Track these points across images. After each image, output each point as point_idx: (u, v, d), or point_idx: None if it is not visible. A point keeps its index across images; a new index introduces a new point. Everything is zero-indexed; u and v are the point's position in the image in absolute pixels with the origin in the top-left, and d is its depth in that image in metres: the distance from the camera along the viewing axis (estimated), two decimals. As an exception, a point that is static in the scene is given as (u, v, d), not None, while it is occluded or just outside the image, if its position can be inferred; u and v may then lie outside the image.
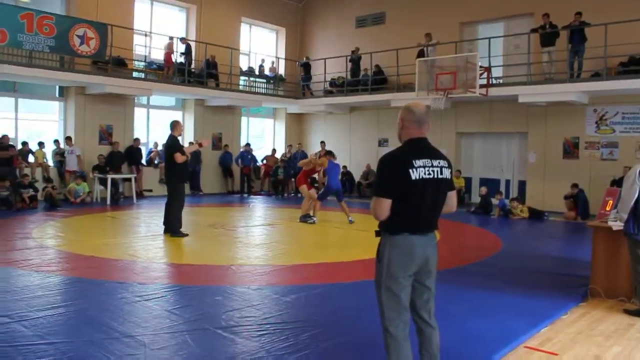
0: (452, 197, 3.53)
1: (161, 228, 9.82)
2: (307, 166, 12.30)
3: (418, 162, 3.31)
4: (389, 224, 3.35)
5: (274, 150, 19.70)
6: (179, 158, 9.43)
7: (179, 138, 9.84)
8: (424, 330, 3.53)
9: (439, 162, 3.41)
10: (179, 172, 9.68)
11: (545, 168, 15.46)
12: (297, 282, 6.65)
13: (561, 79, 14.21)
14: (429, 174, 3.32)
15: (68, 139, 14.92)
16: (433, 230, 3.46)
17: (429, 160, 3.36)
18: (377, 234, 3.48)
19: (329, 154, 12.38)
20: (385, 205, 3.28)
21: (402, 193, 3.28)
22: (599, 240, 6.38)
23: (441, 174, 3.38)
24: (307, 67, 20.20)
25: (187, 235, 9.60)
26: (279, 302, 5.71)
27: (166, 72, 16.84)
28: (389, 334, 3.36)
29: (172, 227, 9.62)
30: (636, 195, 5.52)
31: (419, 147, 3.41)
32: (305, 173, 12.29)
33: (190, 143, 12.47)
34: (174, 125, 9.75)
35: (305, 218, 11.78)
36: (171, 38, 16.79)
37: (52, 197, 13.47)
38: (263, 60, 20.32)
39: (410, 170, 3.27)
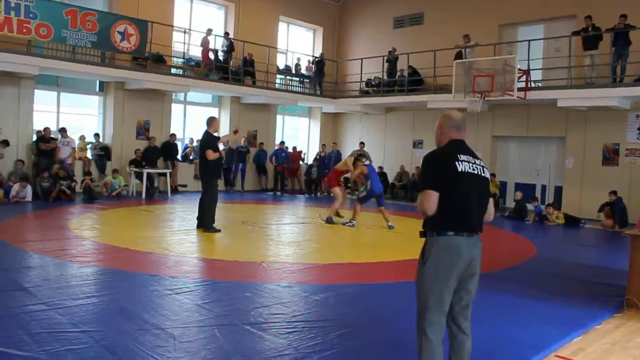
0: (490, 204, 3.55)
1: (194, 223, 9.93)
2: (341, 167, 12.20)
3: (462, 157, 3.38)
4: (435, 223, 3.33)
5: (294, 148, 19.67)
6: (211, 155, 9.49)
7: (216, 134, 9.94)
8: (457, 336, 3.50)
9: (480, 162, 3.48)
10: (211, 169, 9.73)
11: (582, 174, 15.14)
12: (327, 281, 6.66)
13: (603, 83, 13.88)
14: (473, 169, 3.38)
15: (63, 130, 14.47)
16: (478, 231, 3.42)
17: (471, 158, 3.43)
18: (422, 234, 3.45)
19: (359, 159, 11.87)
20: (433, 198, 3.26)
21: (450, 185, 3.28)
22: (638, 250, 6.21)
23: (483, 172, 3.44)
24: (320, 64, 19.98)
25: (219, 231, 9.67)
26: (309, 300, 5.72)
27: (203, 69, 17.03)
28: (426, 336, 3.33)
29: (205, 222, 9.69)
30: None
31: (460, 146, 3.48)
32: (337, 173, 12.19)
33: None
34: (210, 121, 9.82)
35: (330, 219, 11.54)
36: (209, 32, 16.95)
37: (90, 189, 13.77)
38: (299, 59, 20.38)
39: (457, 163, 3.33)
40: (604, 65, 14.12)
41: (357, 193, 18.41)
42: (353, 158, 12.03)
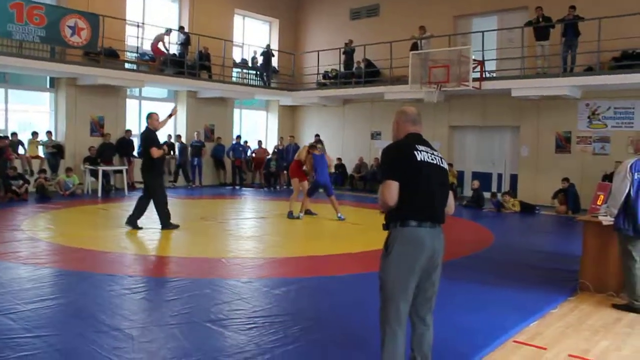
0: (450, 197, 3.61)
1: (152, 220, 9.71)
2: (299, 157, 11.89)
3: (421, 147, 3.44)
4: (398, 214, 3.35)
5: (259, 142, 19.56)
6: (155, 152, 9.12)
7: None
8: (419, 327, 3.54)
9: (438, 153, 3.55)
10: (156, 167, 9.39)
11: (537, 162, 15.50)
12: (288, 275, 6.65)
13: (554, 73, 14.21)
14: (432, 159, 3.43)
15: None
16: (440, 222, 3.46)
17: (429, 149, 3.49)
18: (385, 226, 3.47)
19: (313, 147, 11.77)
20: (393, 188, 3.29)
21: (409, 176, 3.31)
22: (589, 235, 6.40)
23: (442, 163, 3.50)
24: (267, 56, 19.77)
25: (178, 226, 9.51)
26: (269, 295, 5.70)
27: (158, 64, 16.72)
28: (389, 327, 3.35)
29: (162, 221, 9.42)
30: (627, 191, 5.53)
31: (418, 138, 3.54)
32: (298, 163, 11.87)
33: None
34: (150, 117, 9.43)
35: (291, 215, 11.33)
36: (168, 31, 16.66)
37: (43, 188, 13.39)
38: (256, 52, 20.21)
39: (415, 152, 3.38)
40: (555, 56, 14.46)
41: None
42: (307, 147, 11.81)
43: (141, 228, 9.35)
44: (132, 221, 9.39)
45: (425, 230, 3.34)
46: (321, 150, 11.92)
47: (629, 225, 5.55)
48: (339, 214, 11.31)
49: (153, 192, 9.38)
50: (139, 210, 9.43)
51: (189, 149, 17.70)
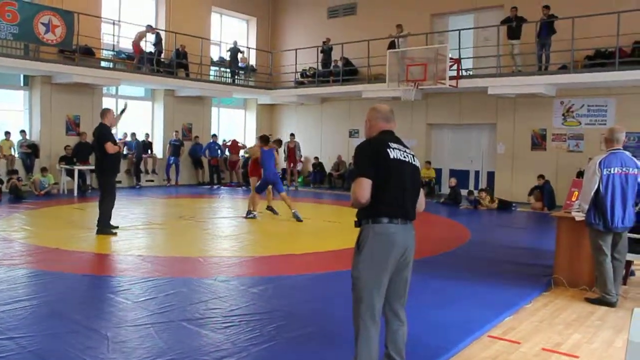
0: (421, 195, 3.62)
1: (130, 219, 9.65)
2: (254, 155, 11.51)
3: (393, 145, 3.45)
4: (369, 211, 3.35)
5: (234, 141, 19.39)
6: (111, 148, 8.57)
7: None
8: (393, 323, 3.56)
9: (410, 151, 3.56)
10: (110, 164, 8.85)
11: (513, 159, 15.68)
12: (265, 274, 6.64)
13: (529, 71, 14.40)
14: (405, 157, 3.45)
15: None
16: (412, 219, 3.48)
17: (402, 147, 3.50)
18: (357, 223, 3.47)
19: (262, 140, 11.25)
20: (366, 186, 3.29)
21: (382, 173, 3.32)
22: (563, 231, 6.51)
23: (414, 161, 3.51)
24: (235, 52, 19.66)
25: (117, 228, 9.02)
26: (246, 293, 5.69)
27: (137, 62, 16.57)
28: (363, 324, 3.37)
29: (101, 223, 8.83)
30: (596, 186, 5.63)
31: (391, 135, 3.55)
32: (255, 163, 11.49)
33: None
34: (104, 113, 8.96)
35: (248, 214, 11.10)
36: (149, 27, 16.56)
37: (17, 188, 13.20)
38: (227, 50, 20.08)
39: (388, 150, 3.39)
40: (531, 54, 14.64)
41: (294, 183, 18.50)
42: (259, 144, 11.36)
43: (117, 227, 9.10)
44: (105, 226, 8.85)
45: (397, 227, 3.36)
46: (272, 146, 11.33)
47: (599, 221, 5.65)
48: (294, 210, 10.97)
49: (103, 190, 8.90)
50: (105, 212, 8.88)
51: (168, 146, 17.58)
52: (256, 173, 11.46)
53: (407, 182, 3.43)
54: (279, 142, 12.31)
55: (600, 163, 5.64)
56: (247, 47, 20.44)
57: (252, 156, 11.66)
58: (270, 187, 11.28)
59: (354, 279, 3.43)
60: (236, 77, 19.84)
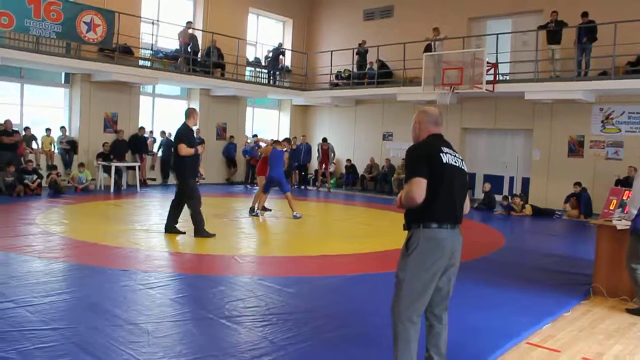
0: (466, 198, 3.61)
1: (164, 217, 9.70)
2: (265, 154, 11.50)
3: (445, 150, 3.43)
4: (420, 214, 3.34)
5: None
6: (183, 150, 8.30)
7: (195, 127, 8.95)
8: (435, 326, 3.55)
9: (460, 156, 3.56)
10: (186, 166, 8.49)
11: (549, 166, 15.43)
12: (300, 274, 6.67)
13: (568, 77, 14.16)
14: (455, 162, 3.44)
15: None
16: (459, 223, 3.48)
17: (452, 151, 3.49)
18: (406, 227, 3.47)
19: (277, 142, 11.46)
20: (422, 185, 3.25)
21: (435, 176, 3.30)
22: (603, 239, 6.37)
23: (463, 165, 3.51)
24: (277, 54, 19.78)
25: (214, 235, 8.71)
26: (282, 293, 5.71)
27: (176, 62, 16.83)
28: (403, 327, 3.35)
29: (196, 228, 8.63)
30: None
31: (441, 139, 3.53)
32: (264, 162, 11.50)
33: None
34: (191, 113, 8.70)
35: (250, 212, 11.16)
36: (189, 23, 16.81)
37: (56, 183, 13.51)
38: (269, 51, 20.26)
39: (441, 155, 3.37)
40: (570, 59, 14.39)
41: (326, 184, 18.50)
42: (271, 144, 11.44)
43: (214, 235, 8.73)
44: (201, 231, 8.64)
45: (446, 231, 3.36)
46: (284, 146, 11.58)
47: None
48: (295, 212, 11.06)
49: (186, 196, 8.62)
50: (194, 219, 8.66)
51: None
52: (263, 172, 11.52)
53: (457, 186, 3.42)
54: (287, 142, 12.40)
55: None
56: (284, 48, 20.53)
57: (263, 154, 11.69)
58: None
59: (399, 280, 3.42)
60: (276, 78, 19.96)
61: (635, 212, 5.59)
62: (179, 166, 8.56)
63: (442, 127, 3.60)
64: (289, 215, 11.24)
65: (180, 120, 8.80)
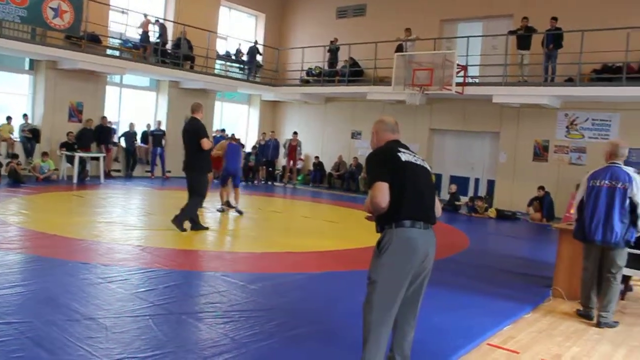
0: (437, 200, 3.62)
1: (128, 209, 9.60)
2: (222, 151, 11.44)
3: (403, 150, 3.49)
4: (391, 215, 3.34)
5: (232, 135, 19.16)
6: (207, 144, 8.27)
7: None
8: (403, 328, 3.55)
9: (420, 156, 3.62)
10: (205, 161, 8.51)
11: (514, 169, 15.67)
12: (264, 270, 6.62)
13: (535, 82, 14.39)
14: (416, 160, 3.49)
15: None
16: (432, 224, 3.47)
17: (410, 152, 3.55)
18: (379, 229, 3.46)
19: (233, 138, 11.71)
20: (384, 189, 3.27)
21: (397, 176, 3.32)
22: (564, 243, 6.48)
23: (425, 164, 3.56)
24: (253, 52, 19.75)
25: (185, 231, 8.50)
26: (246, 289, 5.65)
27: (142, 52, 16.53)
28: (375, 328, 3.34)
29: (181, 215, 8.45)
30: (580, 198, 5.67)
31: (399, 144, 3.59)
32: (220, 158, 11.38)
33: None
34: (198, 107, 8.55)
35: (221, 207, 11.15)
36: (146, 15, 16.52)
37: (16, 172, 13.13)
38: (240, 45, 20.10)
39: (398, 154, 3.42)
40: (537, 65, 14.63)
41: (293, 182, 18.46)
42: (227, 141, 11.58)
43: (185, 230, 8.53)
44: (181, 222, 8.47)
45: (419, 231, 3.35)
46: (236, 141, 11.73)
47: (579, 232, 5.66)
48: (236, 205, 11.08)
49: (193, 189, 8.51)
50: (190, 209, 8.55)
51: (150, 137, 17.16)
52: (217, 167, 11.40)
53: (423, 184, 3.45)
54: (233, 138, 12.44)
55: (589, 176, 5.67)
56: (257, 45, 20.37)
57: (218, 151, 11.46)
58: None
59: (371, 282, 3.40)
60: (242, 72, 19.81)
61: (575, 217, 5.74)
62: (198, 161, 8.43)
63: (398, 134, 3.68)
64: (255, 211, 11.16)
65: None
